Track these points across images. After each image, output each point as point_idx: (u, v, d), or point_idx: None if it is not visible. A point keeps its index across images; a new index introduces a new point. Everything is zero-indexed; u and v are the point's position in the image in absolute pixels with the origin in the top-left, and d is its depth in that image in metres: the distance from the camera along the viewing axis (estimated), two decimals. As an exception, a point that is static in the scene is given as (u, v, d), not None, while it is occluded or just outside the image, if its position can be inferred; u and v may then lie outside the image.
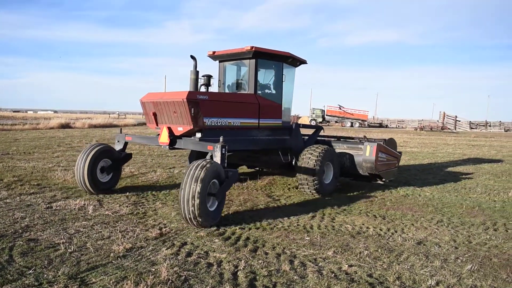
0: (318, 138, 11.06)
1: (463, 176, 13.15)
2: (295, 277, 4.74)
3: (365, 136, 11.10)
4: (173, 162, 13.93)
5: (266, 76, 9.84)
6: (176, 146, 8.26)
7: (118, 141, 9.40)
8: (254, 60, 9.06)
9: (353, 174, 10.32)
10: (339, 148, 10.52)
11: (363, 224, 7.05)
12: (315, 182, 9.01)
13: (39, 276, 4.49)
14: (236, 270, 4.88)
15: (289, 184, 10.58)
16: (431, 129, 60.03)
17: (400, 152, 11.00)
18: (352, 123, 68.86)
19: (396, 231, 6.71)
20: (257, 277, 4.71)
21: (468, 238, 6.50)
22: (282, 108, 9.72)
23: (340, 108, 71.30)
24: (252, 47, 8.80)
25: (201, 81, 8.93)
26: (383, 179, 10.22)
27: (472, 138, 38.32)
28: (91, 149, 8.61)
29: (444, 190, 10.47)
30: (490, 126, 69.57)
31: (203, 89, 9.00)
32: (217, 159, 7.07)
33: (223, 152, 7.08)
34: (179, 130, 7.98)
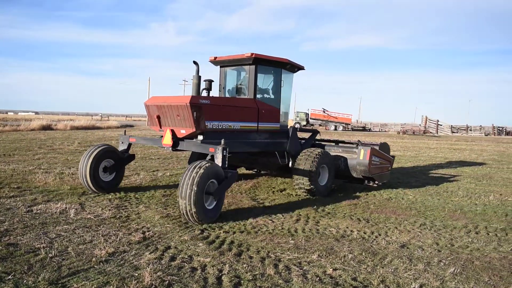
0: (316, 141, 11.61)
1: (445, 179, 13.32)
2: (280, 281, 4.72)
3: (359, 141, 11.35)
4: (156, 165, 13.81)
5: (265, 82, 10.17)
6: (178, 148, 8.55)
7: (122, 142, 9.70)
8: (254, 66, 9.39)
9: (347, 176, 10.64)
10: (335, 151, 10.83)
11: (347, 228, 7.08)
12: (311, 183, 9.36)
13: (19, 281, 4.38)
14: (220, 274, 4.84)
15: (273, 188, 10.57)
16: (414, 132, 60.78)
17: (393, 156, 11.38)
18: (336, 126, 69.26)
19: (380, 234, 6.75)
20: (242, 281, 4.68)
21: (450, 241, 6.57)
22: (280, 113, 10.08)
23: (324, 112, 71.65)
24: (252, 54, 9.14)
25: (202, 85, 9.09)
26: (376, 182, 10.51)
27: (453, 142, 38.87)
28: (95, 149, 8.92)
29: (427, 194, 10.58)
30: (471, 130, 70.62)
31: (204, 93, 9.25)
32: (218, 160, 7.43)
33: (224, 154, 7.42)
34: (182, 132, 8.30)
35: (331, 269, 5.13)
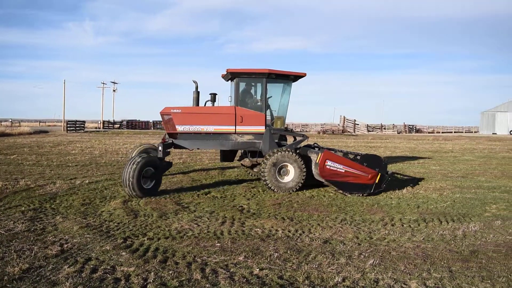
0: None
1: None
2: (207, 285, 4.68)
3: (315, 144, 12.43)
4: (74, 173, 13.13)
5: (251, 91, 11.88)
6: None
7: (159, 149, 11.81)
8: (236, 79, 11.19)
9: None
10: (313, 154, 11.04)
11: (272, 227, 7.19)
12: (271, 179, 10.50)
13: None
14: (145, 283, 4.70)
15: (198, 191, 10.48)
16: (333, 132, 63.37)
17: (390, 173, 10.98)
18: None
19: (303, 232, 6.93)
20: (168, 288, 4.58)
21: (369, 234, 6.91)
22: (274, 117, 11.71)
23: (247, 113, 72.23)
24: (227, 70, 11.07)
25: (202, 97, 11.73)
26: (338, 190, 10.48)
27: (369, 140, 41.04)
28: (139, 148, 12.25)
29: (346, 190, 11.02)
30: (385, 128, 74.94)
31: (208, 104, 11.93)
32: (160, 153, 10.40)
33: (160, 148, 10.39)
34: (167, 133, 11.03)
35: (257, 269, 5.18)
